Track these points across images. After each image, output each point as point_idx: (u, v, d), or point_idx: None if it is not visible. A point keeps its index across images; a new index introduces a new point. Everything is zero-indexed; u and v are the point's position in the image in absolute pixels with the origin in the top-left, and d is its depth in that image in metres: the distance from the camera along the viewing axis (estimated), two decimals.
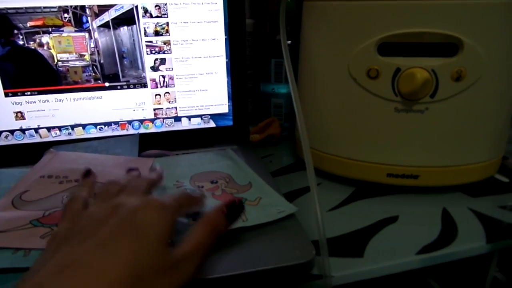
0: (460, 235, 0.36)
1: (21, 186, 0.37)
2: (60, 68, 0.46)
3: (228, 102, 0.51)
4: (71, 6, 0.44)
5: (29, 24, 0.44)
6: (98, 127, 0.49)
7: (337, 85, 0.42)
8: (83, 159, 0.43)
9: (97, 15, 0.45)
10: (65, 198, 0.35)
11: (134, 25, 0.46)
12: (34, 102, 0.46)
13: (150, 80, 0.48)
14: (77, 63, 0.46)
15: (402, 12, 0.37)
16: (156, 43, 0.47)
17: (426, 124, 0.40)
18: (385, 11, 0.38)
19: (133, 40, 0.47)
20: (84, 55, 0.46)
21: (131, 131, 0.49)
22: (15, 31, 0.44)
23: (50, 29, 0.44)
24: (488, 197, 0.43)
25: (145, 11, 0.46)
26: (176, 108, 0.50)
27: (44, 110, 0.46)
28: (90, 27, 0.45)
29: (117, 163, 0.42)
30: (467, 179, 0.43)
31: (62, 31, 0.45)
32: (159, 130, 0.50)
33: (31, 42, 0.44)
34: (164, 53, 0.48)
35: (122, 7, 0.45)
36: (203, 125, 0.51)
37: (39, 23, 0.44)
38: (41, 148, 0.46)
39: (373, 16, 0.38)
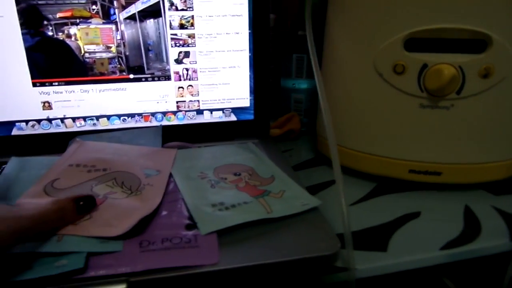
0: (483, 232, 0.36)
1: (52, 174, 0.38)
2: (87, 60, 0.47)
3: (250, 96, 0.52)
4: None
5: (58, 15, 0.45)
6: (122, 118, 0.49)
7: (362, 80, 0.42)
8: (109, 148, 0.44)
9: (124, 7, 0.46)
10: (94, 186, 0.36)
11: (160, 18, 0.47)
12: (61, 92, 0.47)
13: (174, 72, 0.49)
14: (104, 55, 0.47)
15: (430, 8, 0.37)
16: (181, 36, 0.48)
17: (451, 121, 0.40)
18: (413, 6, 0.38)
19: (159, 32, 0.47)
20: (111, 47, 0.47)
21: (154, 123, 0.50)
22: (45, 22, 0.44)
23: (78, 21, 0.45)
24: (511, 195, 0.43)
25: (171, 4, 0.46)
26: (198, 101, 0.50)
27: (70, 101, 0.47)
28: (117, 19, 0.46)
29: (141, 153, 0.43)
30: (490, 177, 0.43)
31: (90, 22, 0.46)
32: (181, 123, 0.51)
33: (60, 33, 0.45)
34: (188, 46, 0.48)
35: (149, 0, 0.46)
36: (224, 119, 0.52)
37: (67, 14, 0.45)
38: (66, 138, 0.47)
39: (400, 11, 0.38)
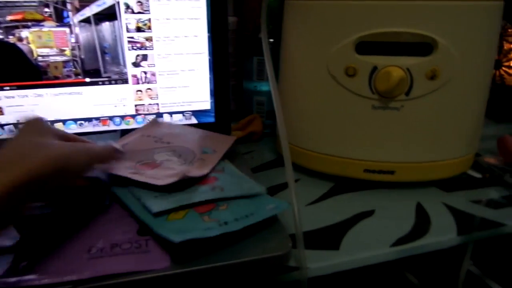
0: (432, 228, 0.38)
1: (126, 139, 0.44)
2: (40, 63, 0.45)
3: (210, 99, 0.52)
4: (52, 1, 0.44)
5: (8, 18, 0.43)
6: (79, 122, 0.48)
7: (316, 82, 0.43)
8: (177, 128, 0.48)
9: (78, 10, 0.45)
10: (156, 153, 0.41)
11: (116, 21, 0.46)
12: (13, 97, 0.45)
13: (132, 76, 0.48)
14: (58, 58, 0.46)
15: (380, 12, 0.39)
16: (138, 39, 0.47)
17: (402, 121, 0.41)
18: (363, 11, 0.39)
19: (115, 35, 0.47)
20: (65, 50, 0.46)
21: (112, 126, 0.49)
22: None
23: (29, 24, 0.44)
24: (461, 192, 0.45)
25: (127, 6, 0.46)
26: (158, 104, 0.50)
27: (23, 106, 0.46)
28: (71, 22, 0.45)
29: (204, 135, 0.47)
30: (441, 175, 0.45)
31: (43, 25, 0.44)
32: (140, 126, 0.50)
33: (10, 36, 0.44)
34: (146, 49, 0.48)
35: (104, 2, 0.45)
36: (185, 122, 0.52)
37: (18, 17, 0.44)
38: None
39: (351, 15, 0.39)
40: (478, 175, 0.49)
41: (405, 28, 0.39)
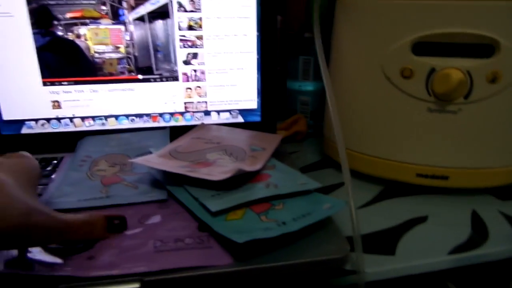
0: (491, 238, 0.36)
1: (177, 142, 0.45)
2: (96, 60, 0.47)
3: (257, 98, 0.52)
4: None
5: (68, 15, 0.45)
6: (130, 118, 0.50)
7: (370, 83, 0.42)
8: (225, 130, 0.49)
9: (133, 8, 0.46)
10: (208, 153, 0.42)
11: (169, 19, 0.47)
12: (70, 92, 0.47)
13: (182, 73, 0.49)
14: (113, 55, 0.47)
15: (438, 12, 0.37)
16: (189, 37, 0.48)
17: (458, 125, 0.40)
18: (421, 11, 0.38)
19: (167, 34, 0.47)
20: (120, 48, 0.47)
21: (162, 123, 0.50)
22: (55, 22, 0.45)
23: (88, 21, 0.46)
24: None
25: (180, 5, 0.47)
26: (206, 102, 0.51)
27: (79, 100, 0.48)
28: (126, 20, 0.46)
29: (251, 135, 0.48)
30: (497, 182, 0.43)
31: (100, 23, 0.46)
32: (189, 123, 0.51)
33: (69, 33, 0.45)
34: (196, 47, 0.48)
35: (158, 1, 0.46)
36: (231, 120, 0.52)
37: (77, 14, 0.45)
38: (75, 137, 0.47)
39: (409, 15, 0.38)
40: None
41: (465, 28, 0.37)
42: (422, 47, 0.39)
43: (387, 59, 0.40)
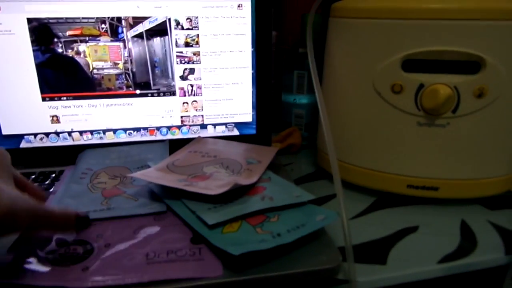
0: (479, 246, 0.38)
1: (174, 156, 0.46)
2: (95, 76, 0.48)
3: (252, 112, 0.53)
4: (108, 17, 0.46)
5: (68, 33, 0.46)
6: (128, 132, 0.51)
7: (361, 98, 0.44)
8: (221, 143, 0.50)
9: (132, 26, 0.47)
10: (204, 166, 0.44)
11: (166, 36, 0.48)
12: (69, 107, 0.48)
13: (179, 88, 0.50)
14: (111, 71, 0.48)
15: (427, 31, 0.39)
16: (186, 53, 0.49)
17: (447, 138, 0.41)
18: (410, 29, 0.40)
19: (165, 50, 0.49)
20: (118, 64, 0.48)
21: (159, 136, 0.52)
22: (55, 40, 0.46)
23: (87, 38, 0.47)
24: (506, 210, 0.44)
25: (177, 23, 0.48)
26: (202, 116, 0.52)
27: (78, 115, 0.49)
28: (125, 37, 0.48)
29: (247, 148, 0.49)
30: (486, 192, 0.44)
31: (99, 40, 0.47)
32: (185, 137, 0.52)
33: (69, 50, 0.47)
34: (193, 63, 0.50)
35: (156, 19, 0.48)
36: (227, 133, 0.53)
37: (77, 32, 0.47)
38: (73, 151, 0.48)
39: (399, 33, 0.40)
40: None
41: (452, 46, 0.39)
42: (411, 64, 0.41)
43: (378, 75, 0.42)
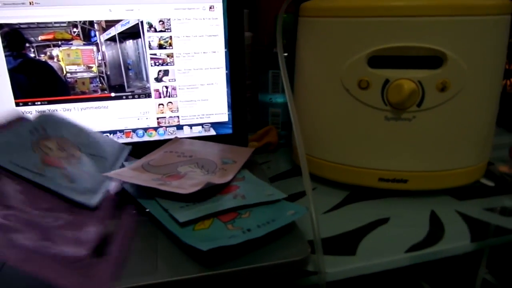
0: (446, 235, 0.39)
1: (150, 156, 0.47)
2: (69, 79, 0.48)
3: (228, 111, 0.54)
4: (80, 21, 0.47)
5: (40, 38, 0.46)
6: (104, 135, 0.51)
7: (330, 95, 0.45)
8: (198, 144, 0.51)
9: (104, 30, 0.48)
10: (179, 166, 0.44)
11: (139, 39, 0.49)
12: (44, 111, 0.48)
13: (154, 90, 0.51)
14: (85, 75, 0.49)
15: (391, 28, 0.40)
16: (160, 55, 0.50)
17: (414, 132, 0.43)
18: (375, 27, 0.41)
19: (138, 53, 0.49)
20: (92, 67, 0.49)
21: (135, 138, 0.52)
22: (27, 45, 0.46)
23: (59, 43, 0.47)
24: (474, 200, 0.46)
25: (150, 26, 0.49)
26: (178, 117, 0.53)
27: None
28: (98, 41, 0.48)
29: (223, 148, 0.50)
30: (454, 183, 0.46)
31: (71, 44, 0.47)
32: (162, 138, 0.53)
33: (42, 55, 0.47)
34: (167, 65, 0.50)
35: (128, 22, 0.48)
36: (204, 133, 0.54)
37: (49, 37, 0.47)
38: None
39: (364, 31, 0.41)
40: (491, 184, 0.50)
41: (415, 42, 0.40)
42: (377, 60, 0.42)
43: (345, 72, 0.43)
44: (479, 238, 0.38)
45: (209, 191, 0.39)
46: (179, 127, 0.53)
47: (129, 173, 0.41)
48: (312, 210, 0.34)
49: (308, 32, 0.46)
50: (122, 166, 0.44)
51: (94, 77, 0.49)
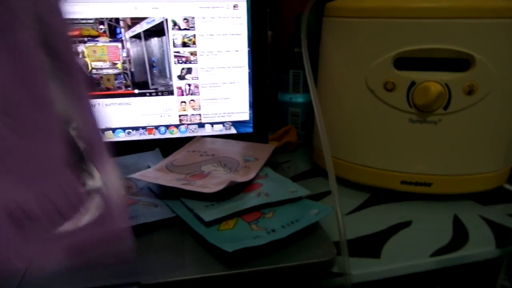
0: (471, 240, 0.38)
1: (173, 156, 0.47)
2: (94, 75, 0.49)
3: (249, 110, 0.54)
4: (106, 18, 0.47)
5: None
6: (127, 131, 0.51)
7: (355, 96, 0.44)
8: (219, 142, 0.52)
9: (129, 27, 0.48)
10: (202, 165, 0.45)
11: (164, 37, 0.49)
12: None
13: (177, 88, 0.51)
14: (110, 71, 0.49)
15: (418, 29, 0.40)
16: (183, 53, 0.50)
17: (439, 135, 0.42)
18: (402, 28, 0.40)
19: (162, 50, 0.50)
20: (117, 64, 0.49)
21: (157, 135, 0.52)
22: None
23: (86, 39, 0.48)
24: (498, 205, 0.45)
25: (174, 24, 0.49)
26: (200, 115, 0.53)
27: None
28: (123, 38, 0.48)
29: (245, 146, 0.51)
30: (478, 188, 0.45)
31: (97, 41, 0.48)
32: (183, 135, 0.53)
33: None
34: (190, 63, 0.51)
35: (153, 20, 0.48)
36: (225, 132, 0.54)
37: (76, 33, 0.47)
38: None
39: (391, 32, 0.41)
40: None
41: (442, 44, 0.40)
42: (403, 62, 0.41)
43: (370, 73, 0.43)
44: (504, 243, 0.38)
45: (233, 190, 0.39)
46: (201, 125, 0.53)
47: (153, 174, 0.41)
48: (338, 211, 0.34)
49: (333, 32, 0.46)
50: (148, 167, 0.45)
51: (119, 74, 0.49)
